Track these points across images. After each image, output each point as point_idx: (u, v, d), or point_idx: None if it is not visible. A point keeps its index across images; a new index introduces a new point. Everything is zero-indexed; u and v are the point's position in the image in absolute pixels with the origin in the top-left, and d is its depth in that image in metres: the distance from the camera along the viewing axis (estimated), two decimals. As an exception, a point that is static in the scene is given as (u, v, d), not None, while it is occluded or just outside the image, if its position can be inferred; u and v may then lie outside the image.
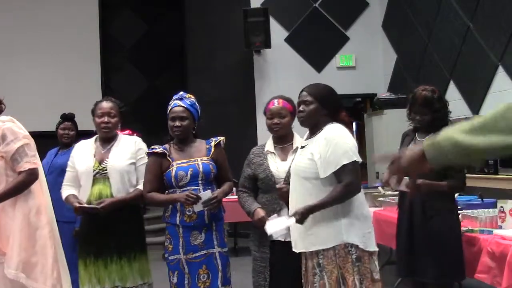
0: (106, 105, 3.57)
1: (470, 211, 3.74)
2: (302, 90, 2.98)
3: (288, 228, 2.91)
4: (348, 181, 2.75)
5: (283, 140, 3.34)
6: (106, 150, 3.49)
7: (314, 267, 2.81)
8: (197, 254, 3.27)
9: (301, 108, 2.92)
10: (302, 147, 2.99)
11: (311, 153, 2.83)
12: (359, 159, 2.82)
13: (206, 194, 3.20)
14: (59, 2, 10.13)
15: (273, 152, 3.31)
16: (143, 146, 3.51)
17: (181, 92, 3.48)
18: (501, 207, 3.52)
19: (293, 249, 2.93)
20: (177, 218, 3.28)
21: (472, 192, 4.42)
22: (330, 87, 3.03)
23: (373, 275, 2.83)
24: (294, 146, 3.30)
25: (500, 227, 3.49)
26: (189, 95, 3.46)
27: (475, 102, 6.35)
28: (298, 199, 2.87)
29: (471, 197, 4.30)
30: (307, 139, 2.98)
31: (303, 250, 2.88)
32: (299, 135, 3.35)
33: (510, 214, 3.43)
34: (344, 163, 2.75)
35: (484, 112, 5.97)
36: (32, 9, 10.01)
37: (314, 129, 2.94)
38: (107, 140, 3.54)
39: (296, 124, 3.37)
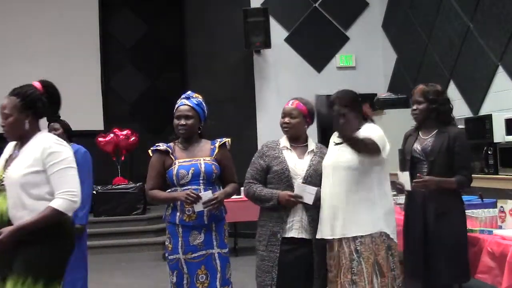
0: (1, 103, 2.84)
1: (470, 211, 3.73)
2: (333, 103, 3.24)
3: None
4: (372, 141, 3.08)
5: (296, 140, 3.36)
6: (16, 155, 2.81)
7: (351, 253, 3.06)
8: (196, 254, 3.26)
9: (340, 120, 3.17)
10: (337, 143, 3.22)
11: None
12: (385, 154, 3.14)
13: (206, 195, 3.19)
14: (59, 2, 10.13)
15: (290, 149, 3.33)
16: (58, 148, 2.74)
17: (189, 92, 3.50)
18: (501, 207, 3.52)
19: (329, 237, 3.14)
20: (177, 217, 3.28)
21: (472, 192, 4.42)
22: (351, 90, 3.34)
23: (400, 261, 3.16)
24: (309, 148, 3.34)
25: (500, 227, 3.49)
26: (197, 94, 3.46)
27: (475, 102, 6.35)
28: (342, 189, 3.12)
29: (471, 197, 4.30)
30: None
31: (341, 236, 3.09)
32: (312, 141, 3.44)
33: (510, 214, 3.43)
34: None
35: (484, 112, 6.00)
36: (32, 9, 10.01)
37: None
38: (22, 142, 2.83)
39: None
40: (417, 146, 3.50)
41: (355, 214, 3.09)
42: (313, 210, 3.22)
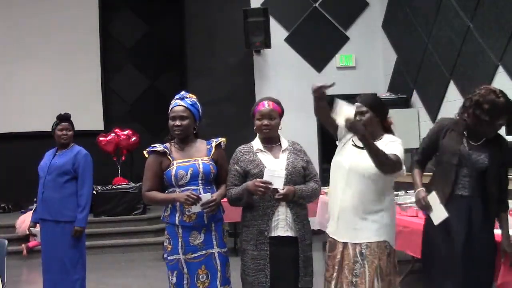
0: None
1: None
2: (357, 100, 3.23)
3: None
4: (398, 159, 3.04)
5: (270, 141, 3.35)
6: None
7: (356, 255, 3.10)
8: (196, 254, 3.26)
9: (357, 118, 3.13)
10: (358, 146, 3.16)
11: None
12: (404, 170, 3.12)
13: (206, 196, 3.19)
14: (60, 2, 10.13)
15: (264, 150, 3.32)
16: None
17: (183, 92, 3.47)
18: (501, 207, 3.50)
19: (335, 237, 3.19)
20: (176, 218, 3.27)
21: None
22: (377, 96, 3.24)
23: (397, 269, 3.19)
24: (283, 147, 3.33)
25: (501, 227, 3.47)
26: (190, 94, 3.45)
27: (475, 102, 6.34)
28: (355, 194, 3.12)
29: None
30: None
31: (347, 241, 3.13)
32: (284, 138, 3.40)
33: (510, 214, 3.43)
34: (395, 152, 3.06)
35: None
36: (32, 10, 10.02)
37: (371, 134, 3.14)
38: None
39: (286, 124, 3.39)
40: (464, 151, 3.15)
41: (364, 221, 3.10)
42: (297, 208, 3.23)
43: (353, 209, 3.11)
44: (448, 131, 3.24)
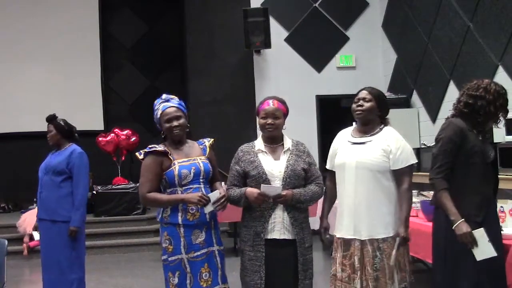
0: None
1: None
2: (363, 89, 3.30)
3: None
4: (410, 184, 3.17)
5: (273, 140, 3.32)
6: None
7: (374, 250, 3.13)
8: (198, 253, 3.25)
9: (360, 103, 3.24)
10: (356, 143, 3.23)
11: (382, 149, 3.16)
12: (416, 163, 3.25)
13: (214, 195, 3.19)
14: (60, 2, 10.13)
15: (265, 151, 3.30)
16: None
17: (164, 95, 3.45)
18: (501, 207, 3.52)
19: (353, 237, 3.18)
20: (179, 218, 3.24)
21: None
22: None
23: (410, 258, 3.27)
24: (285, 147, 3.30)
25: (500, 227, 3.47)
26: (172, 96, 3.45)
27: (475, 102, 6.34)
28: (367, 190, 3.15)
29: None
30: (358, 136, 3.27)
31: (366, 238, 3.14)
32: (288, 138, 3.38)
33: (510, 214, 3.43)
34: (412, 162, 3.19)
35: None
36: (32, 10, 10.02)
37: (367, 126, 3.25)
38: None
39: (286, 125, 3.37)
40: (487, 147, 3.18)
41: (380, 215, 3.13)
42: (295, 211, 3.20)
43: (368, 205, 3.14)
44: (468, 132, 3.11)
